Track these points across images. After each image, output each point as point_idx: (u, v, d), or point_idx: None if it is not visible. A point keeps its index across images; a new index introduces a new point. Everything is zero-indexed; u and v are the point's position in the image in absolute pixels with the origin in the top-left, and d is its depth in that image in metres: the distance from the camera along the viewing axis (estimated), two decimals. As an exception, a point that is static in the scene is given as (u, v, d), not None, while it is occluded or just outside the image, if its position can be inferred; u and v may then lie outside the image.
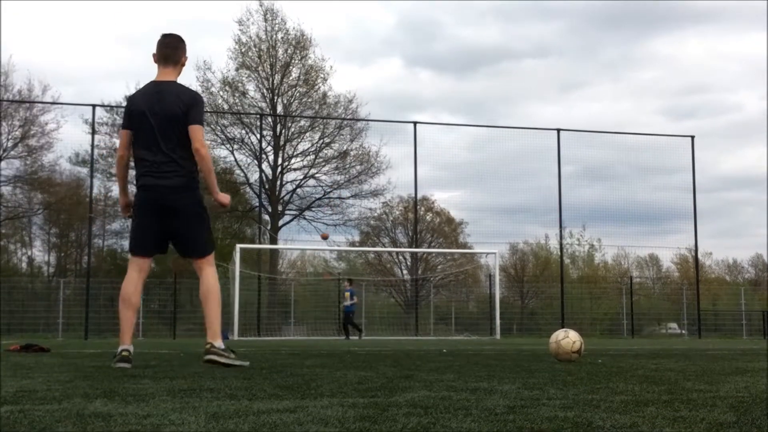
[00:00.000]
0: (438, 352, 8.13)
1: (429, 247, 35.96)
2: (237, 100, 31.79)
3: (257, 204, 30.44)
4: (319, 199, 32.15)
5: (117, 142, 31.81)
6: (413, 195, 26.68)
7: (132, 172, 5.38)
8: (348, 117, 32.17)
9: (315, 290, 31.84)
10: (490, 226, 41.20)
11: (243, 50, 31.98)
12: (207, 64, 31.20)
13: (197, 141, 4.88)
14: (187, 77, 38.59)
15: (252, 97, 32.11)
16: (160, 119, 4.90)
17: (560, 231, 25.88)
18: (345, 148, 31.84)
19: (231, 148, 31.35)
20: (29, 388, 3.27)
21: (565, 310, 25.21)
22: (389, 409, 2.48)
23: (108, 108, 30.69)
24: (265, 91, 32.15)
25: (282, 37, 32.18)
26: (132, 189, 5.31)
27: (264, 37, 32.02)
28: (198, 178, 5.01)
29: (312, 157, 32.06)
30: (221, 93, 31.50)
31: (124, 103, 28.58)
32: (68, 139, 32.45)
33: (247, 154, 31.61)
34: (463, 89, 58.42)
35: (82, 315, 22.77)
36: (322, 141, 31.92)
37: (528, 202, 28.71)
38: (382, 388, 3.24)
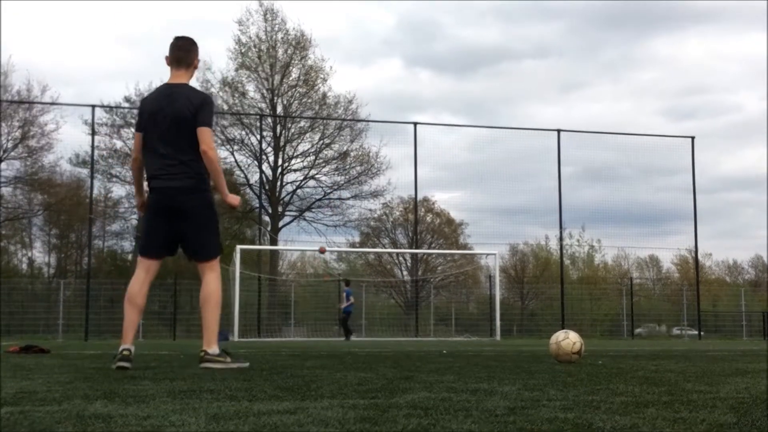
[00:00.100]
0: (438, 353, 8.13)
1: (429, 248, 35.96)
2: (237, 101, 31.80)
3: (257, 205, 30.45)
4: (320, 200, 32.17)
5: (117, 143, 31.91)
6: (413, 196, 26.70)
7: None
8: (348, 118, 32.18)
9: (315, 291, 31.85)
10: (490, 227, 41.22)
11: (243, 50, 32.00)
12: (207, 64, 31.21)
13: (204, 143, 4.89)
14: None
15: (252, 98, 32.14)
16: (170, 121, 4.91)
17: (560, 232, 25.90)
18: (345, 148, 31.87)
19: (231, 149, 31.37)
20: (29, 389, 3.27)
21: (565, 311, 25.21)
22: (389, 410, 2.48)
23: (108, 109, 30.73)
24: (265, 91, 32.16)
25: (282, 38, 32.21)
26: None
27: (264, 37, 32.04)
28: (208, 180, 5.01)
29: (312, 157, 32.09)
30: (221, 93, 31.49)
31: (124, 104, 28.21)
32: (68, 140, 32.59)
33: (247, 154, 31.64)
34: (463, 90, 58.49)
35: (83, 316, 22.77)
36: (322, 142, 31.94)
37: (528, 203, 28.74)
38: (383, 390, 3.24)
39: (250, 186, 31.55)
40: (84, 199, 30.58)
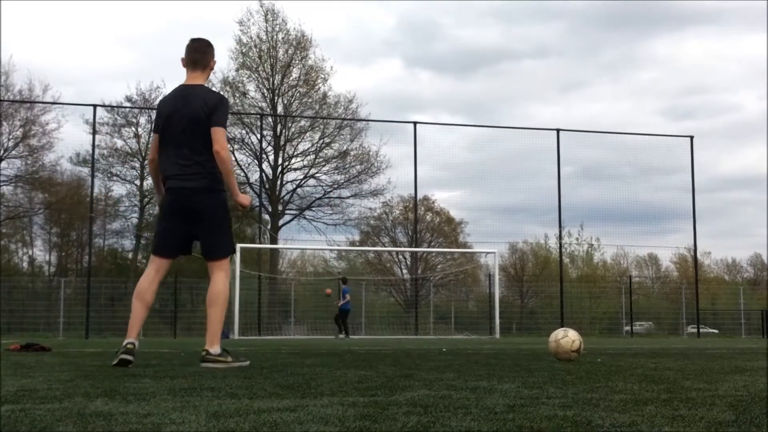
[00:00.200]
0: (438, 351, 8.14)
1: (429, 246, 35.96)
2: (237, 101, 31.80)
3: (257, 204, 30.45)
4: (320, 198, 32.19)
5: (117, 142, 31.93)
6: (413, 195, 26.69)
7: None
8: (348, 117, 32.19)
9: (315, 290, 31.83)
10: (490, 226, 41.32)
11: (243, 50, 32.00)
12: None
13: (217, 143, 4.90)
14: (187, 77, 38.14)
15: (252, 97, 32.15)
16: (185, 122, 4.94)
17: (560, 231, 25.92)
18: (345, 148, 31.88)
19: (231, 148, 31.34)
20: (30, 387, 3.28)
21: (564, 309, 25.21)
22: (389, 408, 2.49)
23: (109, 108, 30.74)
24: (265, 91, 32.18)
25: (282, 38, 32.21)
26: None
27: (264, 37, 32.05)
28: (222, 180, 5.02)
29: (312, 157, 32.10)
30: (222, 93, 31.49)
31: (125, 103, 28.20)
32: (69, 139, 32.60)
33: (247, 154, 31.65)
34: (463, 90, 58.47)
35: (83, 314, 22.78)
36: (322, 141, 31.96)
37: (528, 202, 28.68)
38: (382, 387, 3.25)
39: (250, 185, 31.55)
40: (84, 197, 30.59)
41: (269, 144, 31.53)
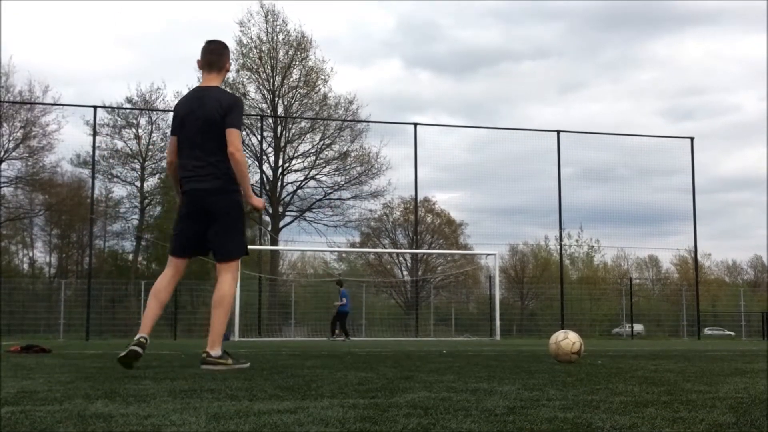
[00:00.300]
0: (438, 353, 8.13)
1: (429, 248, 35.96)
2: (238, 101, 31.77)
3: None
4: (320, 200, 32.19)
5: (118, 143, 31.96)
6: (414, 196, 26.70)
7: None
8: (348, 118, 32.20)
9: (315, 291, 31.85)
10: (490, 228, 41.31)
11: (244, 51, 32.00)
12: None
13: (232, 145, 4.90)
14: (189, 78, 38.64)
15: (253, 99, 32.14)
16: (200, 123, 4.95)
17: (560, 232, 25.92)
18: (345, 149, 31.88)
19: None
20: (30, 388, 3.28)
21: (564, 311, 25.21)
22: (389, 409, 2.49)
23: (109, 109, 30.76)
24: (265, 92, 32.18)
25: (283, 39, 32.22)
26: None
27: (265, 38, 32.06)
28: (236, 181, 5.02)
29: (312, 158, 32.11)
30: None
31: (125, 104, 28.22)
32: (69, 141, 32.68)
33: (247, 155, 31.61)
34: (463, 90, 58.53)
35: (83, 316, 22.78)
36: (322, 142, 31.96)
37: (528, 204, 28.72)
38: (383, 389, 3.25)
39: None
40: (85, 199, 30.62)
41: (269, 145, 31.56)
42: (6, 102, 29.58)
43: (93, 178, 25.53)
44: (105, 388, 3.28)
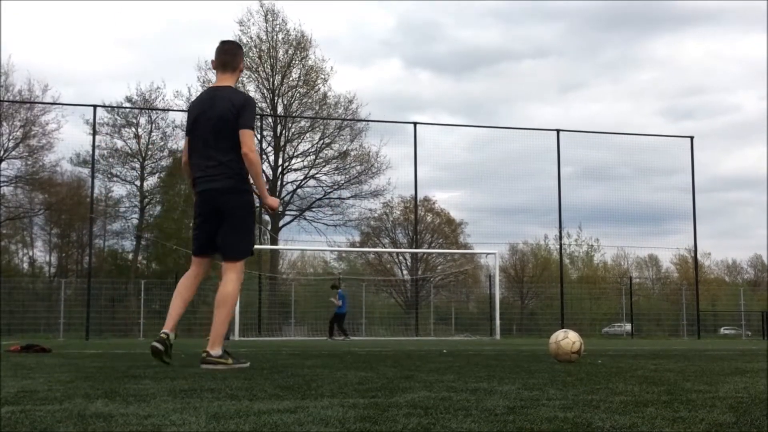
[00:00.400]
0: (438, 352, 8.13)
1: (429, 247, 35.96)
2: (237, 101, 31.77)
3: (258, 204, 30.43)
4: (320, 199, 32.20)
5: (117, 142, 31.95)
6: (413, 195, 26.70)
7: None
8: (348, 117, 32.20)
9: (315, 291, 31.85)
10: (490, 227, 41.33)
11: (243, 51, 31.99)
12: (208, 64, 31.21)
13: (246, 145, 4.91)
14: (188, 77, 38.60)
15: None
16: (213, 123, 4.96)
17: (560, 231, 25.93)
18: (345, 148, 31.89)
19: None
20: (30, 388, 3.28)
21: (564, 310, 25.21)
22: (389, 409, 2.49)
23: (109, 108, 30.74)
24: (265, 91, 32.18)
25: (282, 38, 32.24)
26: None
27: (264, 37, 32.07)
28: (248, 180, 5.03)
29: (312, 157, 32.11)
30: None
31: (125, 104, 28.14)
32: (69, 140, 32.60)
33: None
34: (463, 90, 58.53)
35: (83, 315, 22.76)
36: (322, 141, 31.97)
37: (528, 203, 28.74)
38: (383, 389, 3.25)
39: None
40: (85, 198, 30.61)
41: (269, 144, 31.55)
42: (5, 101, 29.57)
43: (93, 177, 25.52)
44: (105, 387, 3.28)
